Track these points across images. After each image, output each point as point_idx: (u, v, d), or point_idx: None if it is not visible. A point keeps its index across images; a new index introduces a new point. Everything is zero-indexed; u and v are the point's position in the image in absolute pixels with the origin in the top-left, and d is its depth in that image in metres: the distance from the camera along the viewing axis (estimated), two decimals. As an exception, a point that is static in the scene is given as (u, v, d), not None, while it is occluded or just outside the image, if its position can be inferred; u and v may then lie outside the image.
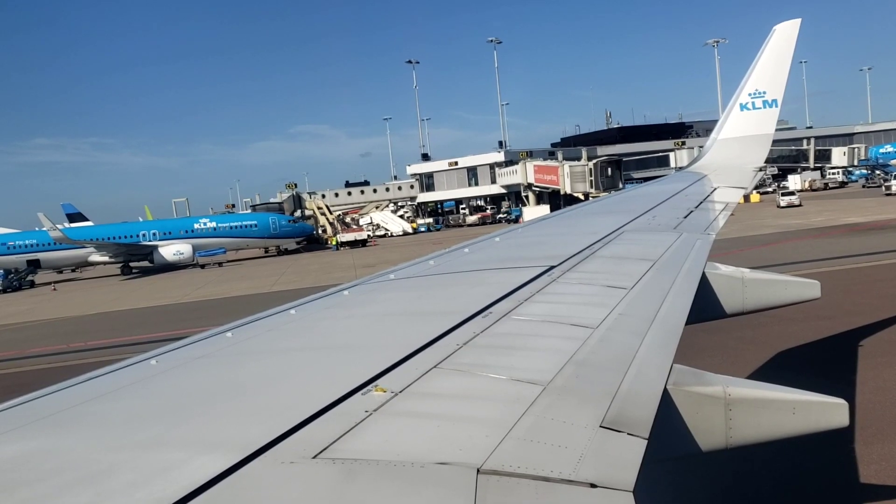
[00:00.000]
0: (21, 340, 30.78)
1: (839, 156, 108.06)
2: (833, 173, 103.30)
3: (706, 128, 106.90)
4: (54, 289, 62.27)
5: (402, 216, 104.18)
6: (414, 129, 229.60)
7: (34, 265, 72.75)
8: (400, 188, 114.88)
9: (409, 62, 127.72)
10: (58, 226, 71.40)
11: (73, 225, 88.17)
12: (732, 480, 9.45)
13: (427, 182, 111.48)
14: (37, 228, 74.48)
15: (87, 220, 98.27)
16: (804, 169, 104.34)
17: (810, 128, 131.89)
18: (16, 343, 29.94)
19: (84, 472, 2.13)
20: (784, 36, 12.95)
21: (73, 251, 72.17)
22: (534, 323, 3.80)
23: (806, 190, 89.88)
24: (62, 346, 27.20)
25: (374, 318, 4.44)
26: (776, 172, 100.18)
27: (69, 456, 2.31)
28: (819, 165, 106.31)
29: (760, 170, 13.04)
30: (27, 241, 73.58)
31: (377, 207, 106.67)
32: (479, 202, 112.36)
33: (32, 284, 69.84)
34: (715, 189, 11.10)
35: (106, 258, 72.92)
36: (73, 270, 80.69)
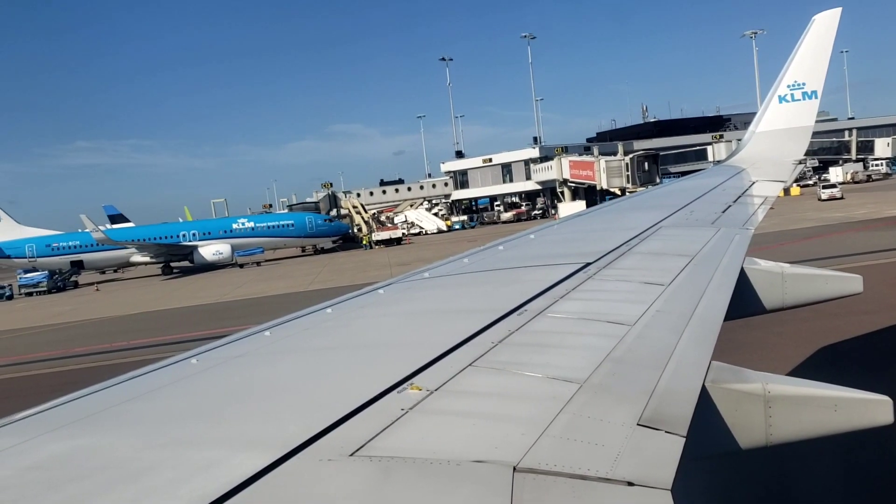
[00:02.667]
0: (65, 340, 31.47)
1: (883, 146, 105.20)
2: (876, 165, 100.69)
3: (744, 121, 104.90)
4: (97, 289, 63.56)
5: (436, 214, 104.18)
6: (447, 127, 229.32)
7: (78, 266, 74.39)
8: (434, 186, 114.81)
9: (443, 59, 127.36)
10: (100, 227, 72.71)
11: (114, 226, 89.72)
12: (772, 478, 9.30)
13: (461, 179, 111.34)
14: (79, 230, 76.02)
15: (128, 221, 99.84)
16: (846, 161, 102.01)
17: (852, 118, 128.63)
18: (60, 343, 30.61)
19: (128, 470, 2.18)
20: (824, 26, 12.71)
21: (115, 252, 73.60)
22: (570, 320, 3.78)
23: (848, 182, 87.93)
24: (105, 346, 27.73)
25: (409, 316, 4.46)
26: (817, 165, 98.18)
27: (113, 454, 2.36)
28: (862, 157, 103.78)
29: (800, 162, 12.82)
30: (70, 243, 75.25)
31: (411, 205, 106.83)
32: (513, 199, 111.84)
33: (76, 285, 71.39)
34: (753, 183, 10.94)
35: (147, 258, 74.23)
36: (115, 271, 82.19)
